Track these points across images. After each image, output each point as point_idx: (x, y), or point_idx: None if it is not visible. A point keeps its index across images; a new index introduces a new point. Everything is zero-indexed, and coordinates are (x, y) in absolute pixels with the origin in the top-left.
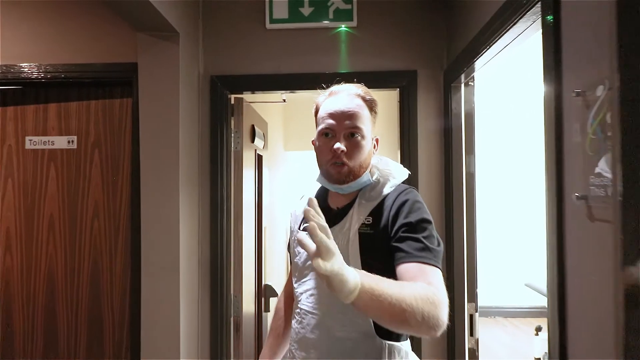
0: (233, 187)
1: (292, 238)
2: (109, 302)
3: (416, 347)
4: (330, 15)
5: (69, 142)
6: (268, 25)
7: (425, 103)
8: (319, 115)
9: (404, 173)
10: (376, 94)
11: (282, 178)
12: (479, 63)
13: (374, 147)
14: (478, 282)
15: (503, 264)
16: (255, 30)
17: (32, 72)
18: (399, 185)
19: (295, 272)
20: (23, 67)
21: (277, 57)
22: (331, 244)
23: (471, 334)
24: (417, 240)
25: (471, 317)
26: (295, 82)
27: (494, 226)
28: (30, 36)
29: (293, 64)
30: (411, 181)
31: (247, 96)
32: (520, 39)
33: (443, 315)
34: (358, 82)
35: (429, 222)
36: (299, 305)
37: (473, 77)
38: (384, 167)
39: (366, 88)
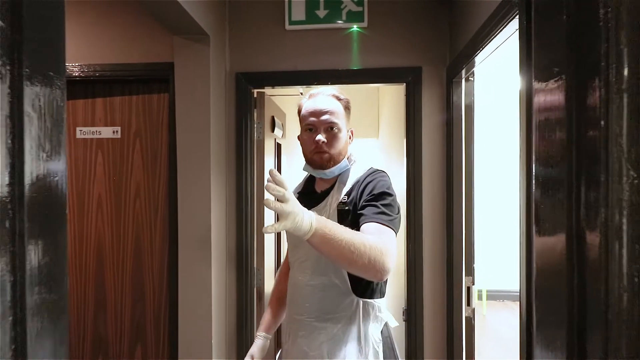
0: (256, 171)
1: None
2: (150, 271)
3: (418, 313)
4: (344, 17)
5: (114, 132)
6: (287, 27)
7: (429, 97)
8: (301, 114)
9: (375, 161)
10: (384, 88)
11: (299, 164)
12: (477, 59)
13: (350, 138)
14: (475, 258)
15: (513, 249)
16: (276, 31)
17: (82, 71)
18: (370, 168)
19: (291, 245)
20: (74, 67)
21: (295, 55)
22: (285, 207)
23: (468, 304)
24: (376, 206)
25: (468, 289)
26: (312, 78)
27: (504, 212)
28: (81, 40)
29: (309, 61)
30: (416, 167)
31: (268, 90)
32: (513, 38)
33: (388, 261)
34: (368, 77)
35: (389, 194)
36: (292, 272)
37: (473, 73)
38: (358, 156)
39: (339, 90)
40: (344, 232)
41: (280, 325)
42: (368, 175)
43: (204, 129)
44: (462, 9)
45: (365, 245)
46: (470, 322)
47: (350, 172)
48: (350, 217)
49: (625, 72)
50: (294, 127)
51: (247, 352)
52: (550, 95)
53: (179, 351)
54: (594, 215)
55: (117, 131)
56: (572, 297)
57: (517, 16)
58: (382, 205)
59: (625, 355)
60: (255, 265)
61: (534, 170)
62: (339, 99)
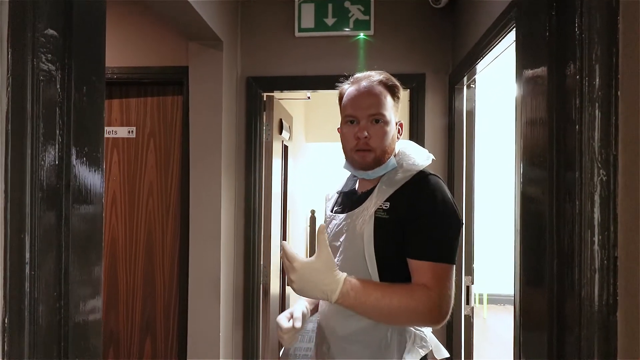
0: (264, 172)
1: (326, 218)
2: (161, 268)
3: None
4: (351, 25)
5: (129, 132)
6: (297, 34)
7: (432, 102)
8: (342, 102)
9: (427, 159)
10: None
11: (303, 166)
12: (478, 67)
13: (399, 132)
14: (475, 258)
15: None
16: (286, 37)
17: None
18: (421, 172)
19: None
20: None
21: (304, 61)
22: (294, 285)
23: (467, 302)
24: (428, 235)
25: (467, 288)
26: (320, 83)
27: (506, 217)
28: None
29: (317, 67)
30: None
31: (277, 94)
32: (512, 47)
33: (440, 310)
34: None
35: (444, 213)
36: None
37: (474, 80)
38: (409, 151)
39: (388, 74)
40: (376, 297)
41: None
42: (419, 183)
43: (216, 130)
44: (464, 19)
45: (409, 302)
46: (469, 320)
47: (398, 173)
48: (389, 227)
49: (597, 83)
50: (299, 130)
51: (253, 349)
52: (535, 102)
53: (188, 346)
54: (570, 208)
55: (132, 131)
56: (552, 282)
57: (515, 28)
58: (435, 230)
59: (597, 328)
60: (262, 263)
61: (521, 169)
62: (386, 85)
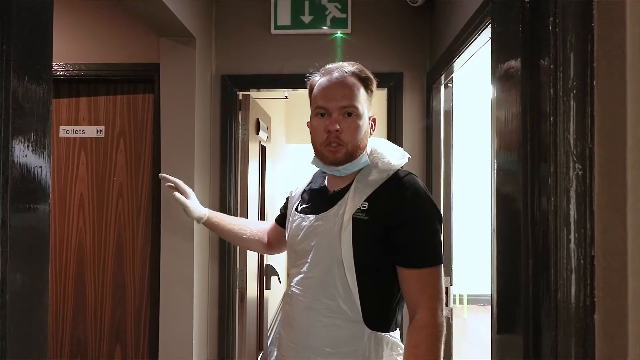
0: (240, 173)
1: (289, 218)
2: (131, 272)
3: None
4: (328, 23)
5: (97, 131)
6: (273, 31)
7: (410, 102)
8: (313, 94)
9: (403, 157)
10: None
11: (284, 168)
12: (455, 66)
13: (372, 128)
14: (454, 259)
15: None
16: (262, 35)
17: (67, 70)
18: (399, 170)
19: (292, 252)
20: (59, 65)
21: (281, 59)
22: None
23: (446, 304)
24: (420, 242)
25: (447, 289)
26: (297, 81)
27: (485, 217)
28: (66, 38)
29: (294, 65)
30: None
31: (253, 93)
32: (487, 46)
33: (443, 325)
34: None
35: (431, 217)
36: (290, 286)
37: (452, 79)
38: (383, 150)
39: (361, 66)
40: None
41: (269, 336)
42: (400, 186)
43: (189, 130)
44: (441, 16)
45: (433, 341)
46: (449, 322)
47: (374, 172)
48: (369, 227)
49: (572, 73)
50: (279, 131)
51: (228, 352)
52: (509, 95)
53: (160, 351)
54: (545, 204)
55: (100, 130)
56: (527, 282)
57: (490, 23)
58: (424, 236)
59: (574, 331)
60: (238, 267)
61: (495, 165)
62: (359, 77)
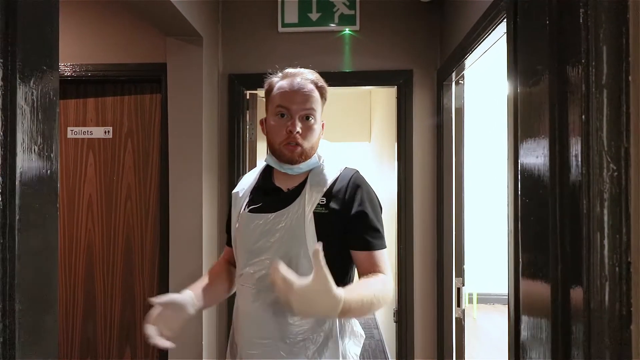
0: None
1: (236, 218)
2: (140, 272)
3: (409, 314)
4: (336, 20)
5: (105, 132)
6: (280, 29)
7: (420, 100)
8: (272, 94)
9: (345, 156)
10: (376, 92)
11: None
12: (467, 62)
13: (321, 132)
14: (465, 260)
15: (504, 253)
16: (269, 33)
17: (74, 71)
18: (347, 168)
19: (244, 253)
20: (66, 66)
21: (288, 57)
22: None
23: (458, 305)
24: (370, 226)
25: (458, 290)
26: None
27: (496, 216)
28: (73, 40)
29: (302, 64)
30: (407, 169)
31: (261, 92)
32: (500, 42)
33: (391, 294)
34: (359, 79)
35: (378, 206)
36: (247, 286)
37: (463, 76)
38: (329, 151)
39: (318, 74)
40: (365, 299)
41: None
42: (352, 178)
43: (196, 129)
44: (452, 12)
45: (378, 295)
46: (460, 322)
47: (325, 170)
48: (330, 219)
49: (605, 68)
50: None
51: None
52: (534, 92)
53: (169, 351)
54: (575, 207)
55: (108, 131)
56: (556, 290)
57: (505, 19)
58: (375, 223)
59: (608, 344)
60: None
61: (519, 165)
62: (317, 85)
